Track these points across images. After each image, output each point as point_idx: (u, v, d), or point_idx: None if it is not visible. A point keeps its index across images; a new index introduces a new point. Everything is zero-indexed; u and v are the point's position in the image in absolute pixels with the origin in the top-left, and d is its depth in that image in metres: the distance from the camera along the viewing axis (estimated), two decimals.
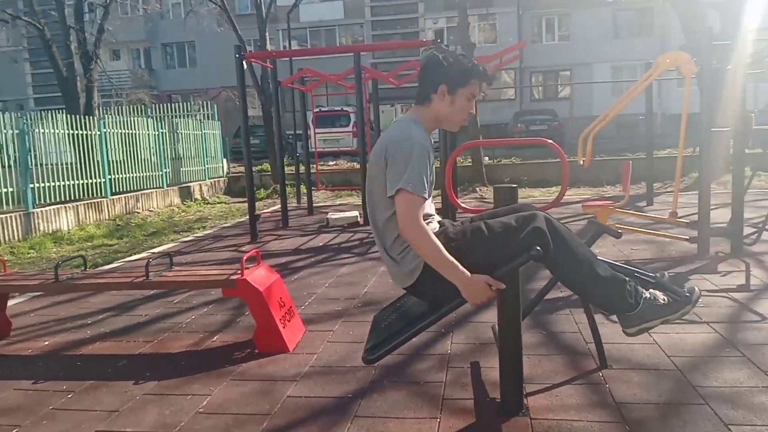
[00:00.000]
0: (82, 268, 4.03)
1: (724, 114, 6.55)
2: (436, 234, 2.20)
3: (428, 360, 3.11)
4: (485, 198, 10.73)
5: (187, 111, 14.24)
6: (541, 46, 29.11)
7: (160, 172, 12.00)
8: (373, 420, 2.48)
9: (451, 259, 2.08)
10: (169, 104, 14.33)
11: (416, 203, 2.04)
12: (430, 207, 2.26)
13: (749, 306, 3.70)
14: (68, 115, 9.91)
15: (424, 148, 2.09)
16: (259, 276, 3.46)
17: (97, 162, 10.11)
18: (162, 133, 12.29)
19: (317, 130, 12.26)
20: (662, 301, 2.24)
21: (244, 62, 7.52)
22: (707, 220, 5.11)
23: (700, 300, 2.36)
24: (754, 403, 2.42)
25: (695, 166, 7.58)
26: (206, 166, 14.00)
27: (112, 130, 10.77)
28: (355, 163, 13.86)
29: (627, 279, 2.24)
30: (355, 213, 8.16)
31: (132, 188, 11.03)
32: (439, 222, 2.35)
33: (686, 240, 5.25)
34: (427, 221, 2.17)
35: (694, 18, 11.05)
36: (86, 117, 10.54)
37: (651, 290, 2.29)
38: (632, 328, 2.25)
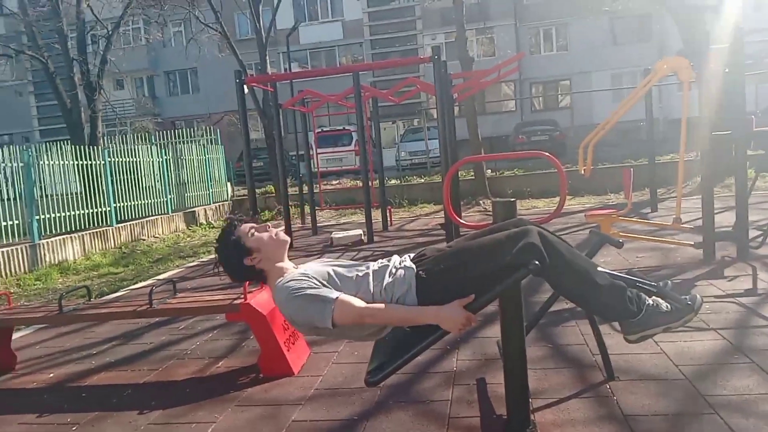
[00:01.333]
0: (87, 298, 4.04)
1: (725, 117, 6.52)
2: (418, 263, 2.20)
3: (434, 378, 3.09)
4: (489, 211, 10.71)
5: (191, 137, 14.34)
6: (540, 57, 29.22)
7: (165, 199, 12.07)
8: None
9: (412, 308, 2.08)
10: (172, 131, 14.44)
11: (344, 306, 2.02)
12: (366, 276, 2.19)
13: (757, 311, 3.65)
14: (73, 146, 10.00)
15: (295, 290, 2.07)
16: (262, 299, 3.45)
17: (103, 191, 10.19)
18: (166, 159, 12.38)
19: (319, 150, 12.32)
20: (665, 309, 2.21)
21: (245, 87, 7.59)
22: (712, 224, 5.07)
23: (702, 308, 2.33)
24: (765, 410, 2.38)
25: (698, 171, 7.56)
26: (210, 190, 14.07)
27: (117, 159, 10.86)
28: (358, 182, 13.89)
29: (627, 286, 2.22)
30: (359, 231, 8.16)
31: (137, 215, 11.09)
32: (419, 253, 2.32)
33: (691, 245, 5.20)
34: (376, 284, 2.15)
35: (692, 23, 11.09)
36: (91, 147, 10.63)
37: (654, 298, 2.27)
38: (634, 335, 2.23)
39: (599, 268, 2.27)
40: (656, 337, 3.16)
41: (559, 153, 16.49)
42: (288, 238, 2.34)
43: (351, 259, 6.69)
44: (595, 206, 9.77)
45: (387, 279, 2.17)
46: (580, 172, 6.32)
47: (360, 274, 2.21)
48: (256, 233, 2.26)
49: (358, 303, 2.06)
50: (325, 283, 2.13)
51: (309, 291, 2.06)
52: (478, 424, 2.52)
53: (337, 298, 2.04)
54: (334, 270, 2.20)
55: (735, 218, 5.07)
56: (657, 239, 5.70)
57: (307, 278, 2.11)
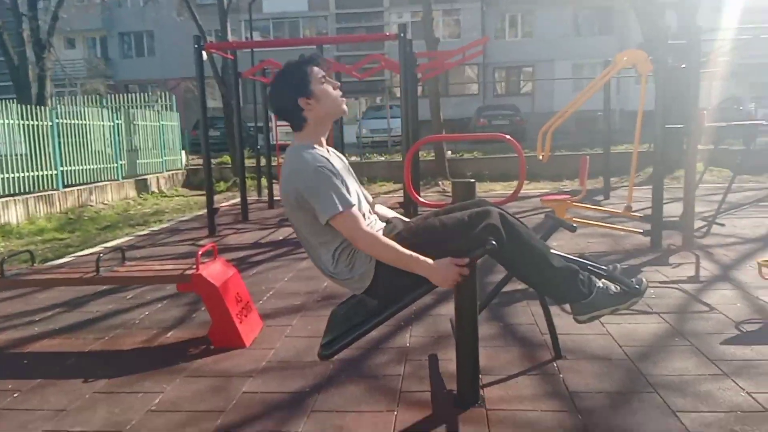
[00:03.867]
0: (30, 263, 3.89)
1: (678, 111, 6.71)
2: (387, 233, 2.20)
3: (387, 353, 3.11)
4: (447, 192, 10.79)
5: (145, 102, 13.89)
6: (505, 42, 29.42)
7: (116, 164, 11.68)
8: (330, 414, 2.46)
9: (410, 252, 2.08)
10: (125, 94, 13.93)
11: (351, 218, 2.04)
12: (366, 210, 2.25)
13: (698, 297, 3.81)
14: (19, 105, 9.54)
15: (323, 168, 2.06)
16: (214, 271, 3.39)
17: (49, 153, 9.77)
18: (118, 124, 11.95)
19: (279, 123, 12.10)
20: (614, 291, 2.28)
21: (203, 52, 7.36)
22: (660, 213, 5.24)
23: (648, 291, 2.42)
24: (701, 391, 2.49)
25: (650, 162, 7.79)
26: (164, 158, 13.69)
27: (65, 121, 10.41)
28: None
29: (580, 269, 2.27)
30: None
31: (85, 180, 10.70)
32: (387, 221, 2.33)
33: (640, 233, 5.38)
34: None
35: (652, 18, 11.33)
36: (38, 107, 10.16)
37: (603, 281, 2.33)
38: (584, 316, 2.28)
39: (552, 251, 2.32)
40: (602, 318, 3.26)
41: (519, 138, 16.58)
42: (346, 109, 2.29)
43: None
44: (551, 191, 9.97)
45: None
46: (538, 157, 6.42)
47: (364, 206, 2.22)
48: (325, 83, 2.20)
49: (363, 224, 2.06)
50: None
51: (334, 180, 2.05)
52: (428, 399, 2.55)
53: (352, 206, 2.05)
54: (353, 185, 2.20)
55: (682, 209, 5.26)
56: (608, 226, 5.86)
57: (335, 173, 2.09)
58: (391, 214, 2.49)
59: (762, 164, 9.54)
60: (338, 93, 2.24)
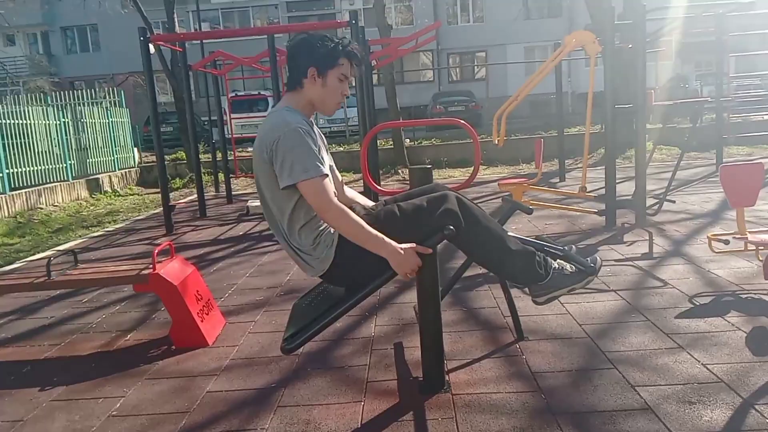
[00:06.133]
0: None
1: (627, 91, 6.85)
2: None
3: (352, 344, 3.10)
4: (407, 180, 10.81)
5: (92, 98, 13.42)
6: (457, 27, 29.54)
7: (65, 164, 11.26)
8: (297, 408, 2.45)
9: (375, 232, 2.07)
10: (71, 91, 13.43)
11: (321, 186, 2.01)
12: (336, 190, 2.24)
13: (652, 273, 3.93)
14: None
15: (302, 131, 2.03)
16: (172, 269, 3.32)
17: None
18: (64, 122, 11.51)
19: (234, 116, 11.89)
20: (569, 271, 2.33)
21: (150, 45, 7.15)
22: (613, 193, 5.38)
23: (603, 271, 2.48)
24: (658, 364, 2.58)
25: (602, 142, 7.96)
26: (116, 156, 13.28)
27: (8, 121, 9.97)
28: None
29: (536, 251, 2.31)
30: None
31: (34, 182, 10.28)
32: (350, 207, 2.32)
33: (595, 213, 5.51)
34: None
35: None
36: None
37: (558, 261, 2.38)
38: (542, 297, 2.33)
39: (510, 233, 2.35)
40: (562, 298, 3.34)
41: (475, 123, 16.86)
42: (332, 113, 2.26)
43: (269, 228, 6.55)
44: (507, 175, 10.11)
45: None
46: (494, 142, 6.49)
47: None
48: (341, 81, 2.16)
49: (333, 195, 2.03)
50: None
51: (311, 146, 2.02)
52: (395, 387, 2.56)
53: (324, 176, 2.02)
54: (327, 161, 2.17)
55: (634, 187, 5.41)
56: (564, 207, 5.98)
57: (314, 140, 2.07)
58: (359, 198, 2.50)
59: (708, 141, 9.87)
60: (341, 99, 2.21)
